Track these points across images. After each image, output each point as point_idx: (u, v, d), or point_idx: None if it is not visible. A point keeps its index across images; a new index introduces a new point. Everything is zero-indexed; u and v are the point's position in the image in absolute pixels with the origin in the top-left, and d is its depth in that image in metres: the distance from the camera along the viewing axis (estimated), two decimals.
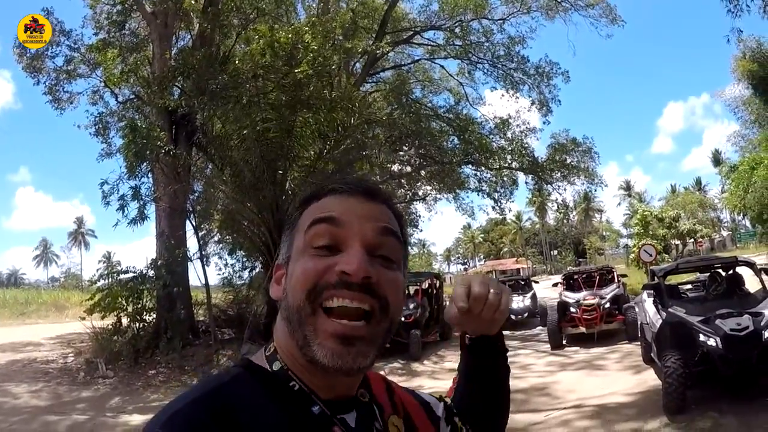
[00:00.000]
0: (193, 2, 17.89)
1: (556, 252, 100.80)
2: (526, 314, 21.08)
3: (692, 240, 67.47)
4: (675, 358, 7.70)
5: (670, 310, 8.85)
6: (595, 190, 30.51)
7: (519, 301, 21.15)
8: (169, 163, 16.09)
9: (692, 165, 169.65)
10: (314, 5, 25.52)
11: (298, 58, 14.83)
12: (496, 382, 1.34)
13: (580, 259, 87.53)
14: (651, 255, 23.04)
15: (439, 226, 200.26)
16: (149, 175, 17.14)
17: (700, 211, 79.88)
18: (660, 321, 9.22)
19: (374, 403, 1.16)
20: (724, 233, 79.14)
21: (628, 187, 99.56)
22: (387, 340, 1.06)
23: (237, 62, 15.65)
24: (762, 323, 7.57)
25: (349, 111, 16.36)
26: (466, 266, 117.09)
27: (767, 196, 36.09)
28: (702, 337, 7.72)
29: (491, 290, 1.13)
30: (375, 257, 1.02)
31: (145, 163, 16.10)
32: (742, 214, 52.41)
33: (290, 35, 14.83)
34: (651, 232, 50.92)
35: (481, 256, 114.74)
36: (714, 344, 7.52)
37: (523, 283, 24.10)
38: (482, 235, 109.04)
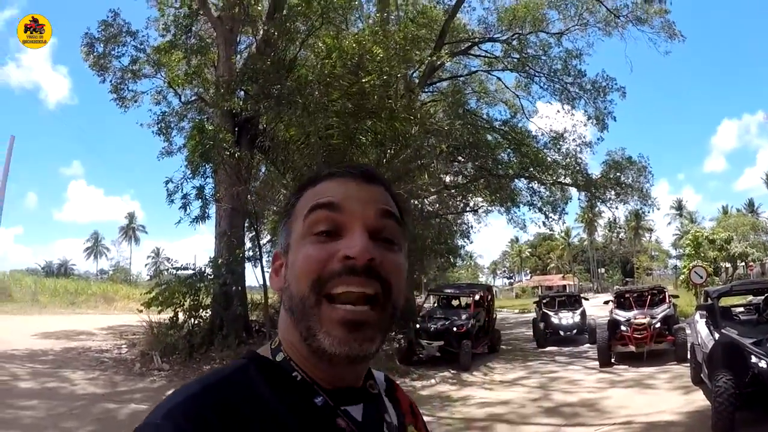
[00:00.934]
0: (258, 8, 18.25)
1: (603, 270, 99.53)
2: (575, 331, 21.00)
3: (743, 263, 66.09)
4: (726, 378, 7.69)
5: (723, 331, 8.83)
6: (649, 212, 30.17)
7: (568, 318, 21.21)
8: (233, 164, 16.43)
9: (745, 185, 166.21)
10: (373, 13, 25.77)
11: (364, 68, 15.13)
12: None
13: (628, 279, 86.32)
14: (702, 277, 22.84)
15: (487, 238, 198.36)
16: (212, 175, 17.61)
17: (753, 233, 78.02)
18: (712, 342, 9.22)
19: (390, 400, 1.18)
20: None
21: (679, 207, 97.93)
22: (392, 325, 1.06)
23: (303, 69, 15.92)
24: None
25: (410, 121, 16.57)
26: (512, 280, 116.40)
27: None
28: (753, 359, 7.69)
29: None
30: (377, 240, 1.02)
31: (210, 164, 16.47)
32: None
33: (355, 45, 15.08)
34: (702, 254, 49.98)
35: (528, 271, 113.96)
36: (765, 366, 7.50)
37: (573, 299, 23.93)
38: (529, 250, 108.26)
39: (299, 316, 0.99)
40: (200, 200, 16.61)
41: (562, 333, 20.91)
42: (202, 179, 16.93)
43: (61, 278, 59.74)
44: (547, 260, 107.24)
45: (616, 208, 27.90)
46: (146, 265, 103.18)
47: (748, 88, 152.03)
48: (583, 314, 21.71)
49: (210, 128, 15.94)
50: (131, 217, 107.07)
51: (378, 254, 0.99)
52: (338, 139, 15.32)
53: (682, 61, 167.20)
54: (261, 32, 17.99)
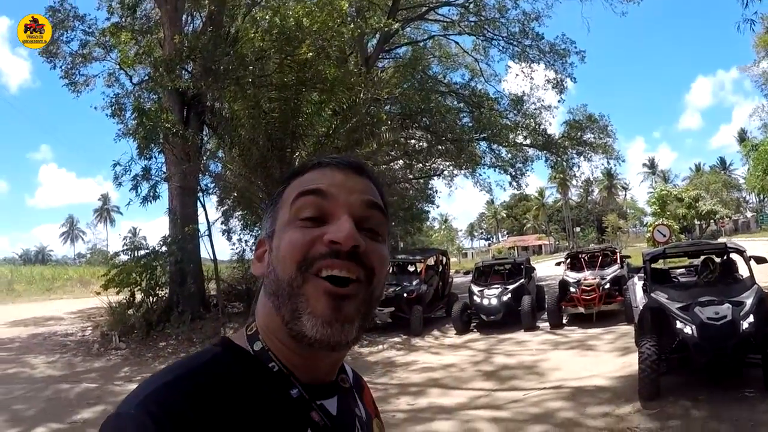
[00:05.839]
0: None
1: (579, 229, 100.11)
2: (501, 314, 15.76)
3: (713, 220, 66.92)
4: (650, 344, 7.75)
5: (652, 295, 8.75)
6: (613, 166, 30.39)
7: (492, 296, 15.95)
8: (177, 143, 16.43)
9: (720, 142, 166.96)
10: None
11: (300, 39, 15.05)
12: None
13: (603, 237, 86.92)
14: (665, 235, 22.90)
15: (464, 201, 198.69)
16: (161, 154, 17.59)
17: (725, 191, 78.77)
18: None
19: (358, 396, 1.18)
20: (749, 214, 78.26)
21: (652, 165, 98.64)
22: (370, 313, 1.04)
23: (241, 45, 15.82)
24: (741, 313, 7.49)
25: (353, 90, 16.53)
26: (490, 242, 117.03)
27: None
28: (679, 324, 7.68)
29: None
30: (361, 230, 1.01)
31: (154, 144, 16.40)
32: (762, 196, 51.68)
33: (291, 21, 14.96)
34: (670, 212, 50.46)
35: (504, 232, 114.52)
36: (690, 332, 7.48)
37: (516, 268, 18.39)
38: (505, 211, 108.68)
39: (285, 298, 0.98)
40: (148, 180, 16.53)
41: (483, 317, 16.04)
42: (151, 159, 16.87)
43: (39, 265, 59.51)
44: (524, 221, 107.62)
45: (579, 165, 28.15)
46: (123, 245, 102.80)
47: (722, 45, 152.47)
48: (519, 290, 16.39)
49: (152, 109, 15.86)
50: (105, 198, 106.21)
51: (363, 242, 0.99)
52: (279, 112, 15.29)
53: (654, 20, 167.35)
54: (207, 10, 17.86)
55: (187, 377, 0.93)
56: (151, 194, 16.56)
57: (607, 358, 11.33)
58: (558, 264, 18.42)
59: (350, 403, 1.12)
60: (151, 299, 17.05)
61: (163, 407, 0.86)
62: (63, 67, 20.92)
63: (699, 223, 66.20)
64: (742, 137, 69.82)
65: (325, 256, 0.97)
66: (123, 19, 19.14)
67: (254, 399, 0.96)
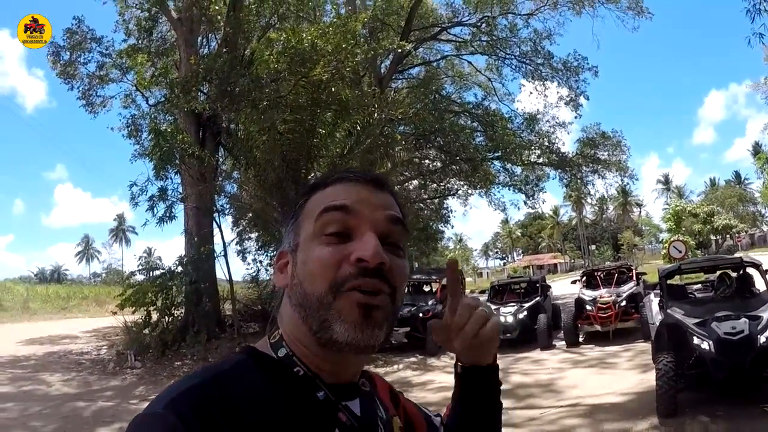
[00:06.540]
0: (217, 8, 18.23)
1: (594, 247, 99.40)
2: (516, 332, 15.84)
3: (728, 235, 66.43)
4: (667, 360, 7.68)
5: (668, 311, 8.72)
6: (628, 184, 30.32)
7: (508, 314, 15.98)
8: (193, 164, 16.61)
9: (735, 156, 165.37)
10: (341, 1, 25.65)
11: (314, 60, 15.17)
12: (487, 415, 1.29)
13: (619, 254, 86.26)
14: (681, 251, 22.61)
15: (479, 221, 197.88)
16: (177, 175, 17.76)
17: (740, 205, 78.16)
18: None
19: (376, 397, 1.18)
20: (765, 228, 77.48)
21: (666, 181, 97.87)
22: (394, 323, 1.07)
23: (256, 67, 15.97)
24: (758, 327, 7.41)
25: (368, 110, 16.61)
26: (505, 261, 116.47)
27: None
28: (696, 340, 7.60)
29: (475, 312, 1.15)
30: (384, 245, 1.03)
31: (171, 165, 16.55)
32: None
33: (306, 43, 15.10)
34: (685, 228, 50.14)
35: (520, 251, 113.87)
36: (707, 348, 7.40)
37: (531, 287, 18.67)
38: (520, 230, 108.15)
39: (313, 311, 1.00)
40: (164, 201, 16.70)
41: (500, 335, 16.11)
42: (167, 180, 17.04)
43: (54, 284, 59.68)
44: (539, 240, 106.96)
45: (593, 183, 28.12)
46: (138, 265, 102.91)
47: (733, 58, 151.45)
48: (535, 308, 16.44)
49: (168, 130, 16.03)
50: (120, 218, 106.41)
51: (387, 259, 1.01)
52: (295, 133, 15.40)
53: (665, 35, 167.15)
54: (222, 32, 18.06)
55: (214, 380, 0.95)
56: (167, 214, 16.87)
57: (624, 375, 11.26)
58: (574, 282, 18.33)
59: (372, 404, 1.13)
60: (166, 319, 17.08)
61: (191, 408, 0.87)
62: (80, 89, 21.24)
63: (715, 238, 65.83)
64: (757, 150, 69.31)
65: (355, 275, 0.99)
66: (139, 41, 19.41)
67: (281, 401, 0.98)
